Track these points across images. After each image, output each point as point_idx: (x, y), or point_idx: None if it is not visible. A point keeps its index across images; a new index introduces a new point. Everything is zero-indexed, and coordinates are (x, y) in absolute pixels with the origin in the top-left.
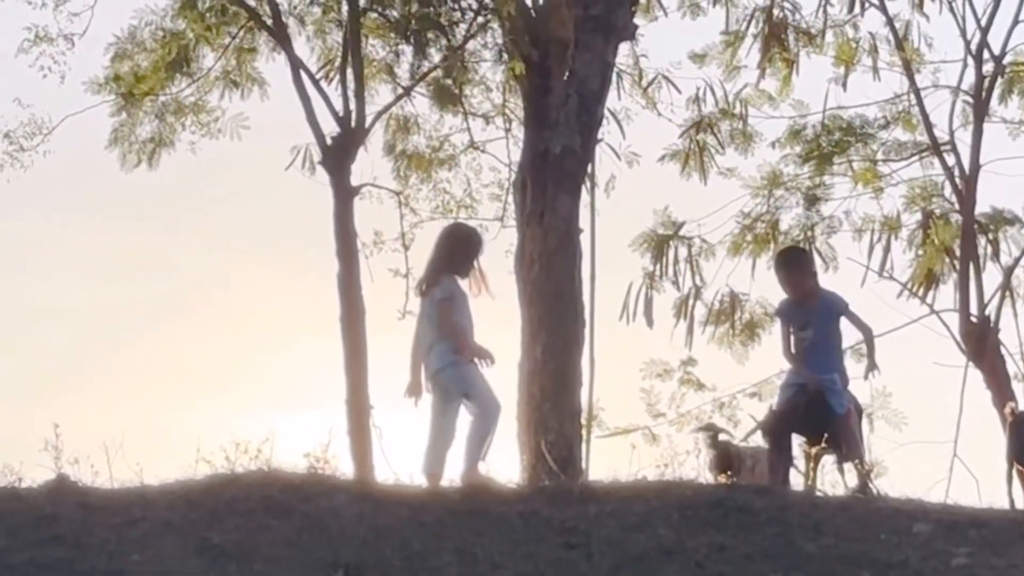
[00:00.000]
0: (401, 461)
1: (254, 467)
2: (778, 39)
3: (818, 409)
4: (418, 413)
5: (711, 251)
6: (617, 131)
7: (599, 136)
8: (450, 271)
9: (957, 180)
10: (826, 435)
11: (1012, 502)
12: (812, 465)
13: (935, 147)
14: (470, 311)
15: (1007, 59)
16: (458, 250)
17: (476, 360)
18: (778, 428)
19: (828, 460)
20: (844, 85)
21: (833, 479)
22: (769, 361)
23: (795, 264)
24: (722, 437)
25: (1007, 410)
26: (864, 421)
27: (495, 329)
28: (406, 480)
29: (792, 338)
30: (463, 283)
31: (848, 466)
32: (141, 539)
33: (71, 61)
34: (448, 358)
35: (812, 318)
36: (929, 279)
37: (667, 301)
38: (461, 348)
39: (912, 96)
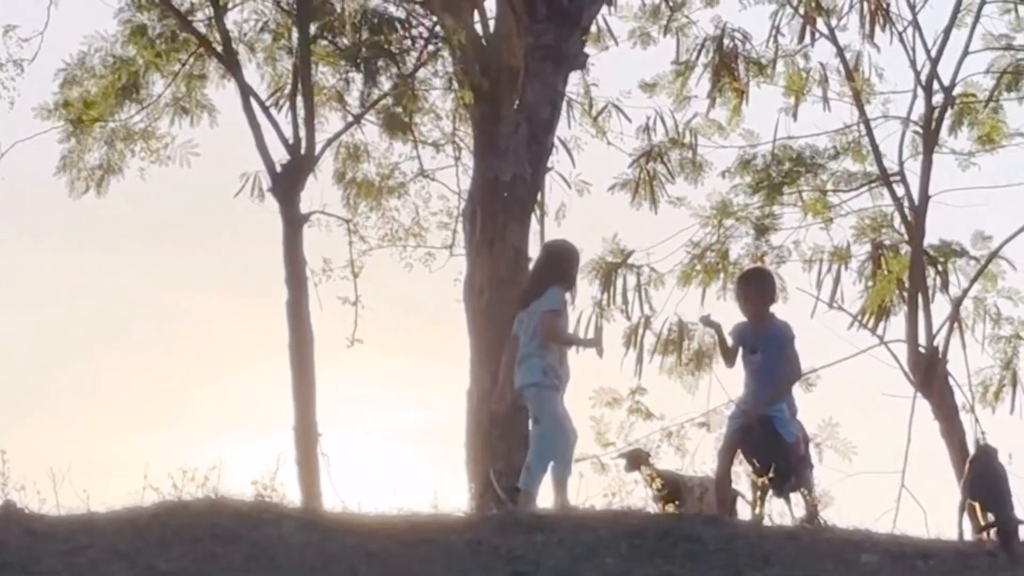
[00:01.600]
0: (349, 488)
1: (202, 494)
2: (728, 69)
3: (766, 438)
4: (366, 441)
5: (660, 280)
6: (567, 160)
7: (549, 165)
8: (557, 283)
9: (906, 211)
10: (774, 465)
11: (961, 534)
12: (760, 495)
13: (885, 178)
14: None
15: (956, 90)
16: (566, 262)
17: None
18: (726, 459)
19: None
20: (794, 115)
21: (781, 509)
22: (718, 391)
23: (752, 283)
24: (662, 467)
25: (970, 440)
26: (812, 450)
27: (445, 357)
28: (354, 508)
29: (741, 361)
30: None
31: (796, 496)
32: (88, 566)
33: (20, 87)
34: (534, 377)
35: (761, 344)
36: (880, 310)
37: (617, 330)
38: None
39: (862, 126)
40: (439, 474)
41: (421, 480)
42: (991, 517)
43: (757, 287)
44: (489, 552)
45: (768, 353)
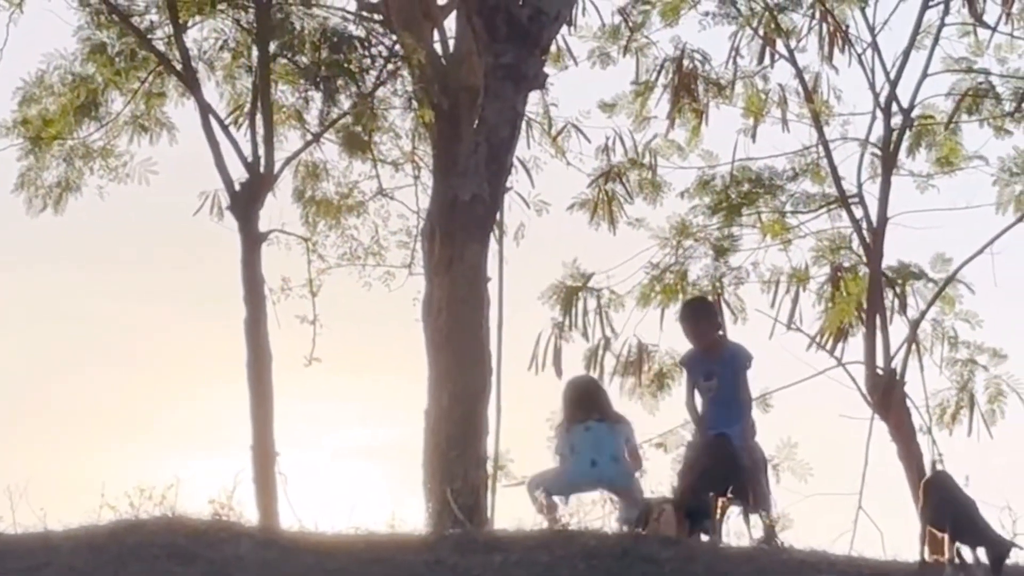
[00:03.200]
0: (306, 507)
1: (159, 513)
2: (688, 90)
3: (725, 461)
4: (323, 460)
5: (620, 302)
6: (526, 180)
7: (508, 184)
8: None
9: (865, 233)
10: (733, 487)
11: (923, 561)
12: (718, 517)
13: (843, 199)
14: None
15: (915, 112)
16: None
17: None
18: (687, 485)
19: (734, 511)
20: (753, 136)
21: (739, 530)
22: (677, 412)
23: (700, 314)
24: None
25: (927, 464)
26: (770, 472)
27: (403, 377)
28: (311, 527)
29: (697, 389)
30: None
31: (754, 517)
32: None
33: None
34: None
35: (716, 369)
36: (839, 332)
37: (576, 351)
38: None
39: (821, 148)
40: (397, 493)
41: (379, 499)
42: (967, 545)
43: (697, 320)
44: (446, 572)
45: (725, 379)
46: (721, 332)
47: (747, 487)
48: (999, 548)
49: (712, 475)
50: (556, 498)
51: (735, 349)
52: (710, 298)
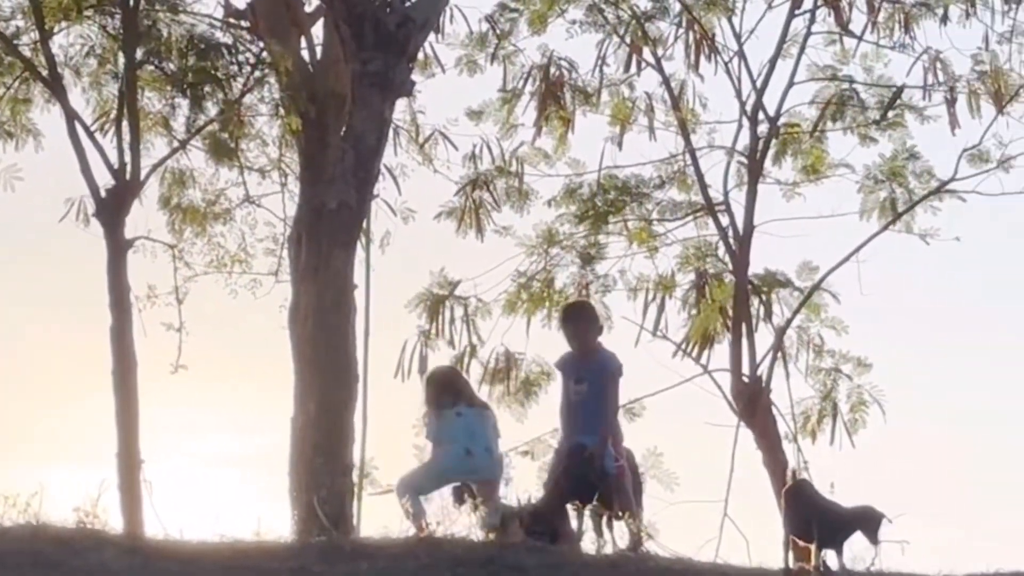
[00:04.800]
0: (171, 515)
1: (22, 521)
2: (554, 97)
3: (589, 468)
4: (189, 468)
5: (487, 310)
6: (393, 187)
7: (375, 192)
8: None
9: (731, 241)
10: (598, 495)
11: (788, 569)
12: (582, 524)
13: (710, 207)
14: None
15: (781, 120)
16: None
17: None
18: (555, 492)
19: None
20: (620, 144)
21: (606, 537)
22: (545, 419)
23: (581, 317)
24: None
25: (788, 474)
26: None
27: (270, 384)
28: (176, 534)
29: (567, 392)
30: None
31: (619, 525)
32: None
33: None
34: None
35: (586, 374)
36: (704, 339)
37: (443, 359)
38: None
39: (687, 156)
40: (263, 501)
41: (245, 507)
42: (833, 551)
43: (582, 323)
44: None
45: (594, 385)
46: (600, 339)
47: (612, 494)
48: (872, 521)
49: (572, 486)
50: (423, 500)
51: (607, 357)
52: (590, 302)
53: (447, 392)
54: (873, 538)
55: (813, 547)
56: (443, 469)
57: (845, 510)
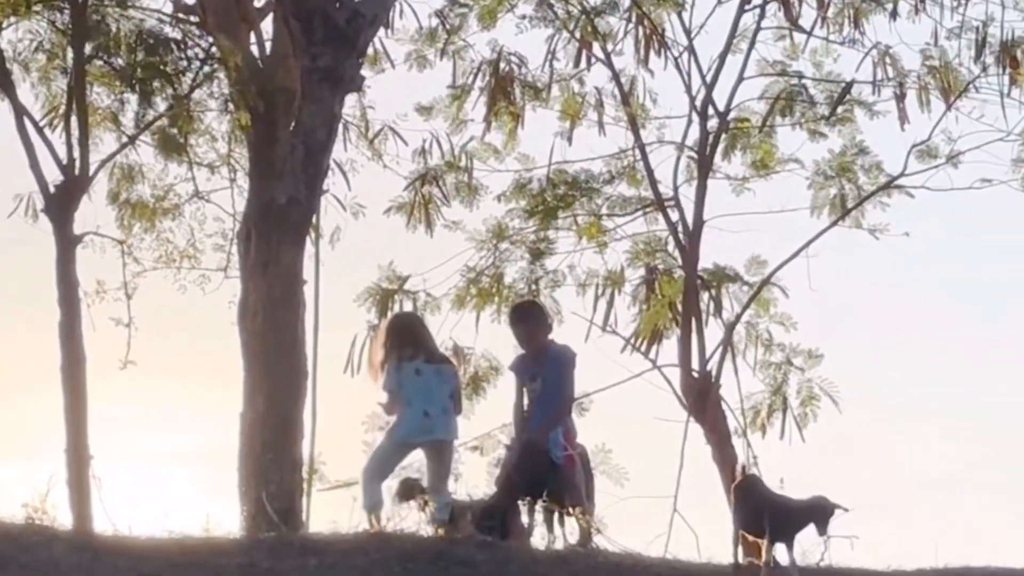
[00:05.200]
0: (120, 511)
1: None
2: (504, 93)
3: (540, 463)
4: (138, 464)
5: (436, 305)
6: (343, 182)
7: (325, 187)
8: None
9: (681, 236)
10: (548, 490)
11: (737, 564)
12: (532, 519)
13: (659, 203)
14: None
15: (731, 115)
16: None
17: None
18: (506, 488)
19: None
20: (569, 139)
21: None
22: (494, 415)
23: (529, 317)
24: None
25: (738, 470)
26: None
27: (219, 380)
28: (125, 530)
29: (525, 392)
30: None
31: (570, 520)
32: None
33: None
34: None
35: (540, 371)
36: (654, 334)
37: None
38: None
39: (637, 151)
40: (212, 497)
41: (194, 503)
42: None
43: (529, 325)
44: (261, 575)
45: (547, 380)
46: (550, 335)
47: (563, 489)
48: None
49: (523, 480)
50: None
51: (560, 349)
52: (537, 300)
53: (408, 342)
54: (823, 530)
55: (764, 542)
56: (402, 437)
57: (796, 503)
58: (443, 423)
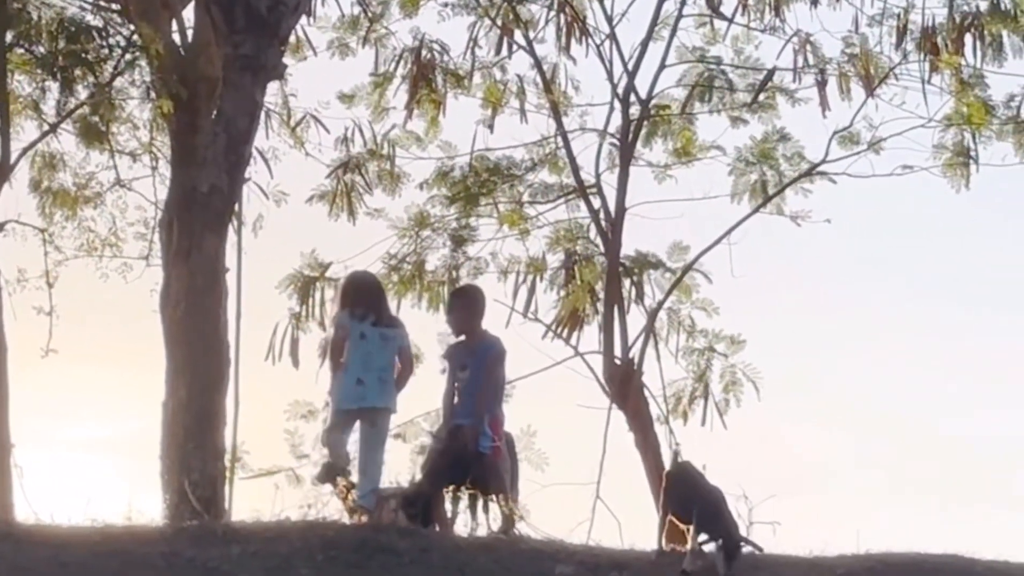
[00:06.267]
0: (42, 500)
1: None
2: (426, 80)
3: (460, 452)
4: (60, 453)
5: None
6: (265, 170)
7: (247, 175)
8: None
9: (603, 223)
10: (472, 477)
11: (661, 550)
12: (456, 507)
13: (581, 190)
14: None
15: (653, 102)
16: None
17: None
18: (431, 475)
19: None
20: (491, 127)
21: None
22: (416, 402)
23: (463, 304)
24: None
25: (670, 455)
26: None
27: (141, 368)
28: (47, 519)
29: (453, 380)
30: None
31: (493, 507)
32: None
33: None
34: None
35: (469, 361)
36: (574, 320)
37: (314, 341)
38: None
39: (559, 139)
40: (134, 486)
41: (116, 491)
42: (709, 536)
43: (462, 306)
44: (184, 564)
45: (475, 369)
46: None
47: (487, 476)
48: (731, 542)
49: (448, 468)
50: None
51: (491, 342)
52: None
53: (360, 302)
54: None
55: (691, 529)
56: (338, 405)
57: (726, 510)
58: (376, 391)
